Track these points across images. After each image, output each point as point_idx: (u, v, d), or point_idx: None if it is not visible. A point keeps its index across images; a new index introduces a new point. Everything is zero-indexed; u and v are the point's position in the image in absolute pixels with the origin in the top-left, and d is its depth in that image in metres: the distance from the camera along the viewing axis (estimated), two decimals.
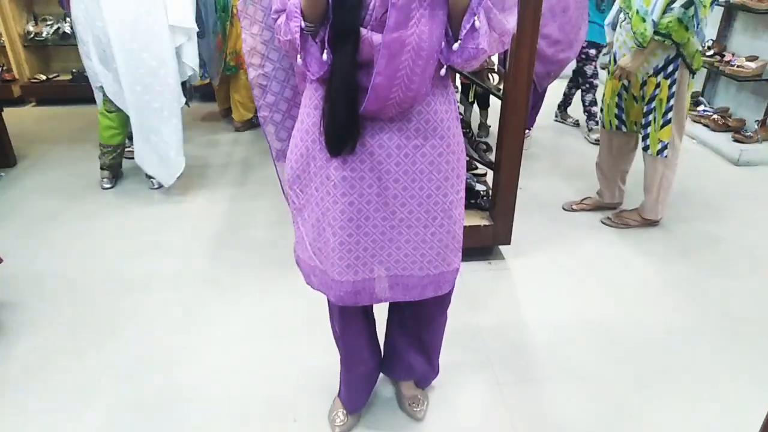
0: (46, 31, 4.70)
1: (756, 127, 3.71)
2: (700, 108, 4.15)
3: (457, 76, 3.19)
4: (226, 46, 3.83)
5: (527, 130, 3.80)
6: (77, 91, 4.52)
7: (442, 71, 1.11)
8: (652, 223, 2.77)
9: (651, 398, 1.75)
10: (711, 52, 4.02)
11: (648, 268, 2.46)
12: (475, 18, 1.00)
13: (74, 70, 4.69)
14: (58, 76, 4.88)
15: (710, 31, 4.33)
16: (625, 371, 1.86)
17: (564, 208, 2.98)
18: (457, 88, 3.59)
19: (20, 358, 1.90)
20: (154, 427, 1.65)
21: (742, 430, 1.63)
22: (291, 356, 1.91)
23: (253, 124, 4.18)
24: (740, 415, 1.68)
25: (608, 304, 2.21)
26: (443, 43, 1.05)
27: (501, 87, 2.27)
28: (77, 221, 2.81)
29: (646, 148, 2.55)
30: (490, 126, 3.97)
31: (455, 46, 1.03)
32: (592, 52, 3.69)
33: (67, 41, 4.61)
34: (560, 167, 3.54)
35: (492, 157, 2.41)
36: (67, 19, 4.45)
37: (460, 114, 3.51)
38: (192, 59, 2.91)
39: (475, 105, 3.96)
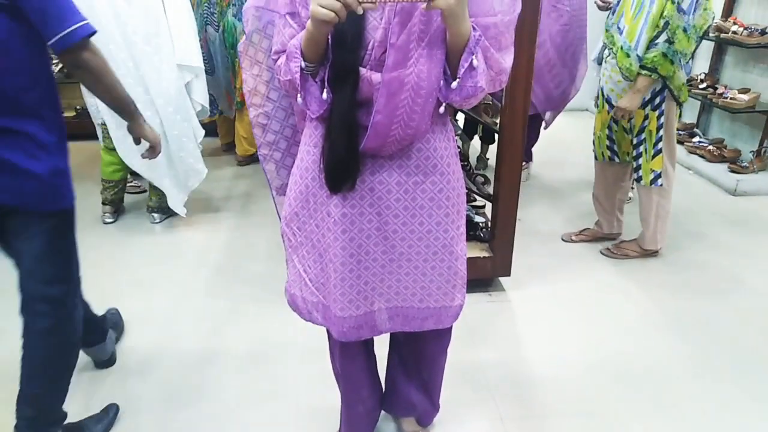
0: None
1: (751, 157, 3.75)
2: (696, 139, 4.20)
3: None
4: (236, 81, 3.92)
5: (525, 162, 3.83)
6: (80, 126, 4.54)
7: (441, 109, 1.13)
8: (652, 254, 2.77)
9: None
10: (704, 85, 4.09)
11: (648, 298, 2.44)
12: (473, 57, 1.02)
13: (78, 107, 4.75)
14: (62, 112, 4.94)
15: (702, 65, 4.41)
16: (629, 405, 1.83)
17: (563, 239, 2.98)
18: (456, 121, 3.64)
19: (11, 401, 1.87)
20: None
21: None
22: (290, 392, 1.88)
23: (255, 158, 4.21)
24: None
25: (610, 336, 2.19)
26: (442, 81, 1.07)
27: (497, 121, 2.30)
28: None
29: (639, 179, 2.58)
30: (488, 159, 4.01)
31: (454, 84, 1.05)
32: None
33: (72, 78, 4.67)
34: (558, 199, 3.56)
35: (490, 189, 2.43)
36: None
37: (459, 148, 3.54)
38: (201, 96, 2.96)
39: (476, 138, 4.00)
